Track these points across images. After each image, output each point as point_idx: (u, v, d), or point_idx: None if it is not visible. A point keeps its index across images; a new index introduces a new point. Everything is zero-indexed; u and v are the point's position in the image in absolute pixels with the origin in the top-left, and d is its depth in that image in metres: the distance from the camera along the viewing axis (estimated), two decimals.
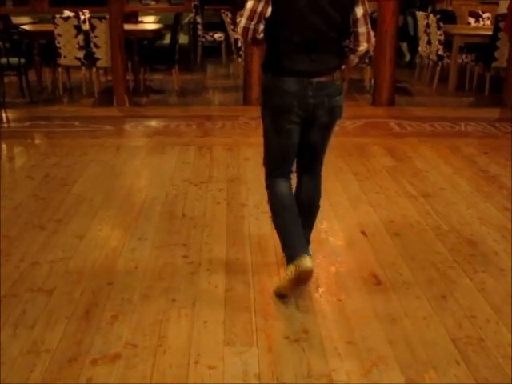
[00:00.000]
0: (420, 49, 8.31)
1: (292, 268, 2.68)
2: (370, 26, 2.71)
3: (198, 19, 9.36)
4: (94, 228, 3.58)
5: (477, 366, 2.34)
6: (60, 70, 7.27)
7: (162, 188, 4.21)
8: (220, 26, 9.36)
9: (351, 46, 2.74)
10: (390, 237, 3.48)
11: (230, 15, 8.09)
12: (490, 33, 7.28)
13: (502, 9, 8.57)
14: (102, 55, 6.89)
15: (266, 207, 3.01)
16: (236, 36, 7.56)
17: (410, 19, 9.11)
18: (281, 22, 2.64)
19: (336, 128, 2.92)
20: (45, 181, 4.37)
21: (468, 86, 7.72)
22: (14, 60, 6.78)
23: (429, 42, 7.83)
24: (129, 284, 2.93)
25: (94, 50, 6.89)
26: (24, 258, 3.19)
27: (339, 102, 2.79)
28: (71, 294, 2.83)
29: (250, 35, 2.62)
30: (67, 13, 7.25)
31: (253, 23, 2.59)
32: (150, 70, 8.16)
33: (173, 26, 7.43)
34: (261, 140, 2.91)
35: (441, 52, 7.56)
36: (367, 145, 5.30)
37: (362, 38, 2.71)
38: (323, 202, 3.07)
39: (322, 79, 2.69)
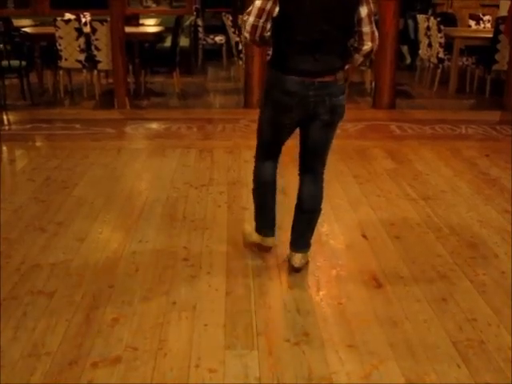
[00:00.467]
0: (420, 51, 8.31)
1: (258, 238, 3.20)
2: (374, 25, 2.73)
3: (199, 22, 9.37)
4: (95, 231, 3.59)
5: (478, 368, 2.34)
6: (61, 72, 7.28)
7: (162, 191, 4.21)
8: (221, 29, 9.36)
9: (356, 45, 2.77)
10: (391, 239, 3.48)
11: (230, 18, 8.09)
12: (491, 35, 7.28)
13: (503, 11, 8.57)
14: (103, 58, 6.90)
15: None
16: (238, 39, 7.57)
17: (410, 22, 9.12)
18: (286, 21, 2.65)
19: (337, 131, 2.93)
20: (46, 183, 4.37)
21: (469, 89, 7.72)
22: (15, 62, 6.79)
23: (429, 45, 7.83)
24: (129, 287, 2.93)
25: (95, 52, 6.90)
26: (24, 260, 3.19)
27: (341, 101, 2.80)
28: (72, 296, 2.83)
29: (258, 33, 2.64)
30: (68, 15, 7.26)
31: (261, 21, 2.61)
32: (150, 73, 8.16)
33: (174, 28, 7.44)
34: None
35: (441, 55, 7.56)
36: (368, 147, 5.30)
37: (367, 38, 2.73)
38: (324, 205, 3.07)
39: (325, 79, 2.71)
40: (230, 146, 5.30)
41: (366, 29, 2.71)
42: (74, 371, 2.30)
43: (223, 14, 8.59)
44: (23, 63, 6.86)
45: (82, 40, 6.89)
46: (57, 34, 6.83)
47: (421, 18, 8.20)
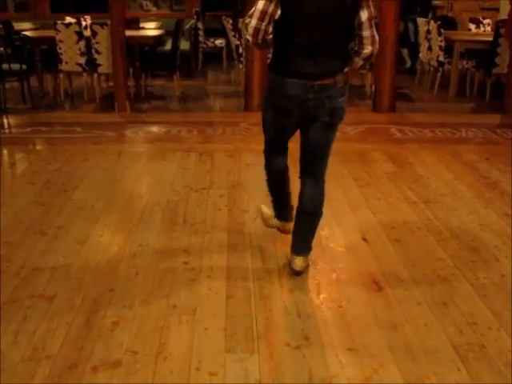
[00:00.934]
0: (421, 55, 8.32)
1: (278, 223, 3.34)
2: (374, 29, 2.74)
3: (199, 25, 9.38)
4: (95, 234, 3.59)
5: (478, 372, 2.34)
6: (61, 75, 7.30)
7: (162, 194, 4.21)
8: (221, 32, 9.37)
9: (356, 49, 2.77)
10: (391, 243, 3.48)
11: (231, 21, 8.11)
12: (491, 39, 7.28)
13: (503, 15, 8.59)
14: (104, 61, 6.91)
15: None
16: (238, 42, 7.58)
17: (410, 25, 9.13)
18: (288, 24, 2.66)
19: (337, 134, 2.94)
20: (46, 187, 4.37)
21: (469, 92, 7.72)
22: (15, 66, 6.80)
23: (429, 48, 7.84)
24: (130, 290, 2.93)
25: (96, 56, 6.91)
26: (25, 264, 3.19)
27: (341, 103, 2.81)
28: (72, 300, 2.83)
29: (260, 36, 2.65)
30: (69, 19, 7.28)
31: (264, 24, 2.62)
32: (151, 76, 8.17)
33: (174, 32, 7.45)
34: (262, 147, 2.97)
35: (441, 58, 7.57)
36: (368, 151, 5.30)
37: (367, 41, 2.74)
38: (324, 208, 3.07)
39: (325, 82, 2.72)
40: (231, 150, 5.30)
41: (366, 33, 2.72)
42: (74, 375, 2.30)
43: (223, 17, 8.61)
44: (23, 66, 6.87)
45: (82, 43, 6.90)
46: (57, 38, 6.84)
47: (421, 21, 8.21)
